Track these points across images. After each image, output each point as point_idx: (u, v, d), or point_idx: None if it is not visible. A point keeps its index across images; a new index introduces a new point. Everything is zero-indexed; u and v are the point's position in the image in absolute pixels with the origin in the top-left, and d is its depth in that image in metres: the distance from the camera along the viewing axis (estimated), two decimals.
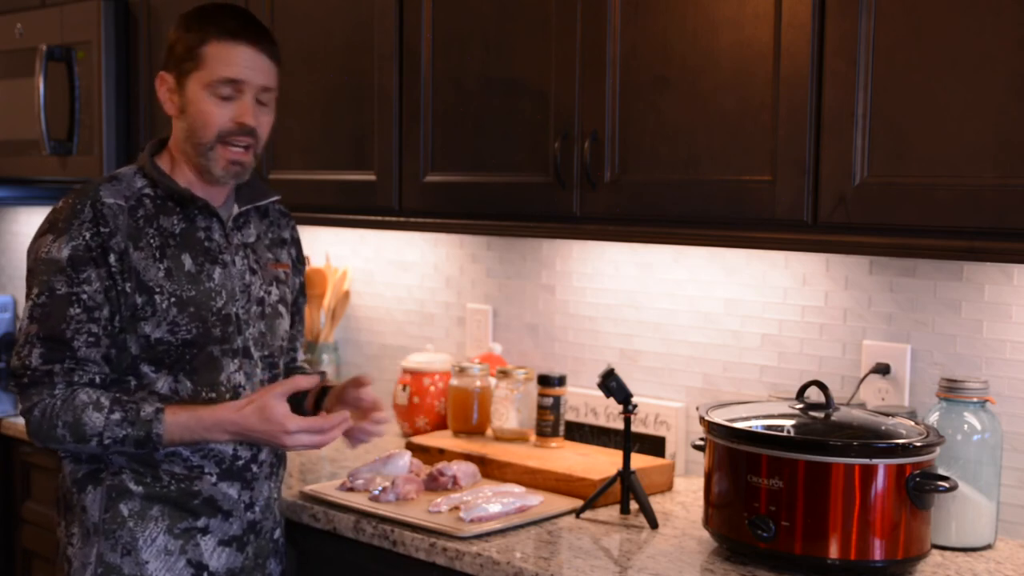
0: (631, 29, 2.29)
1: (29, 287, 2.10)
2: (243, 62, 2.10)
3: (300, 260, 2.39)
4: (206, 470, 2.13)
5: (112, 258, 2.06)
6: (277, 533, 2.30)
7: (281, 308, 2.26)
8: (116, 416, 2.04)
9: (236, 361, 2.16)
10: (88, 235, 2.06)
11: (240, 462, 2.16)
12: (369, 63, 2.77)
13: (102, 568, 2.10)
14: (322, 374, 2.37)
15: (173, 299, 2.09)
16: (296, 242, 2.38)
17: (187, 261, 2.12)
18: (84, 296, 2.05)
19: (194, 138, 2.13)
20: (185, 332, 2.09)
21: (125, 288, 2.07)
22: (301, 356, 2.44)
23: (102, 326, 2.07)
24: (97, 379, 2.09)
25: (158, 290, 2.08)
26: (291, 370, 2.37)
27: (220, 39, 2.10)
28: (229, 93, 2.10)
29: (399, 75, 2.71)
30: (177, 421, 2.06)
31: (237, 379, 2.15)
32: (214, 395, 2.12)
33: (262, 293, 2.21)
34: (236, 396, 2.14)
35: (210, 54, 2.10)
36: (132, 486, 2.11)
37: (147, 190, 2.14)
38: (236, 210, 2.21)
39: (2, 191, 3.96)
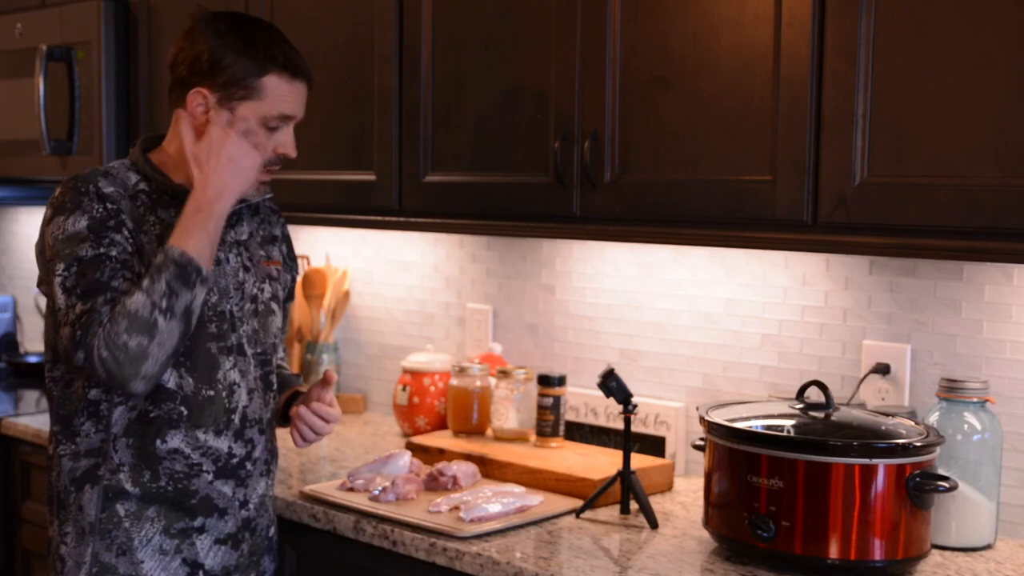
0: (631, 29, 2.29)
1: (51, 271, 2.04)
2: (299, 99, 2.14)
3: (292, 257, 2.39)
4: (204, 468, 2.13)
5: (125, 231, 2.05)
6: (272, 531, 2.30)
7: (274, 305, 2.26)
8: (146, 282, 1.97)
9: (231, 358, 2.15)
10: (100, 208, 2.05)
11: (235, 460, 2.16)
12: (369, 63, 2.77)
13: (97, 567, 2.10)
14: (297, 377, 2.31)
15: None
16: (287, 239, 2.38)
17: None
18: (113, 253, 2.03)
19: None
20: None
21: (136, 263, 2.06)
22: (281, 354, 2.42)
23: (136, 273, 2.03)
24: None
25: None
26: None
27: (280, 74, 2.10)
28: (279, 126, 2.13)
29: (399, 75, 2.71)
30: (176, 236, 2.00)
31: (232, 376, 2.15)
32: (212, 392, 2.12)
33: (255, 290, 2.21)
34: (232, 393, 2.14)
35: (270, 88, 2.09)
36: (129, 487, 2.10)
37: (142, 185, 2.14)
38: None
39: (2, 191, 3.96)
